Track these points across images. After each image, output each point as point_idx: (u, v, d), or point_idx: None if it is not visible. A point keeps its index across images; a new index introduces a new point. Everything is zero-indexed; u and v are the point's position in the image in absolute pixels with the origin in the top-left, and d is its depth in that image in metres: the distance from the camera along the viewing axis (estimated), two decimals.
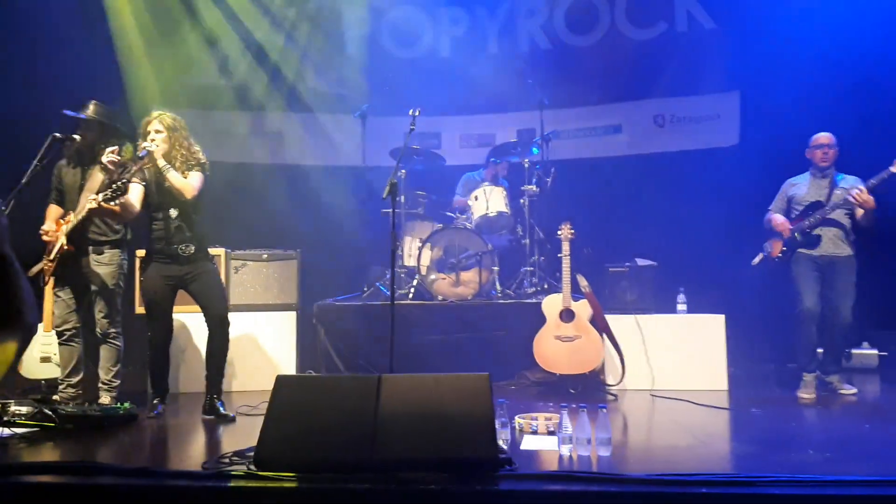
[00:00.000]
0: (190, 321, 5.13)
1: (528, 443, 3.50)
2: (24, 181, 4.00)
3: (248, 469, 2.92)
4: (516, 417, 3.85)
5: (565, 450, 3.24)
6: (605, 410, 3.27)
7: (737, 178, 6.36)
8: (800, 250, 4.94)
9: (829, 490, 2.54)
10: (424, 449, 2.85)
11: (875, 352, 6.02)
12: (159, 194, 4.24)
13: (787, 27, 6.35)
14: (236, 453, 3.22)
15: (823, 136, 5.03)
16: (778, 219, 5.07)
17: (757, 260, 5.15)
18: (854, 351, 6.02)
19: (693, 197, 6.35)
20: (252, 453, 2.97)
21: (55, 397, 4.43)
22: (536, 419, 3.79)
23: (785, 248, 4.99)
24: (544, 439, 3.54)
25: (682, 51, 7.21)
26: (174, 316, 4.82)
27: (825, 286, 4.88)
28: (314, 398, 3.09)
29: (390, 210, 6.04)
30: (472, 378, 3.03)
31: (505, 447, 3.30)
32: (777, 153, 5.80)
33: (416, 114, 4.27)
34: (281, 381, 3.14)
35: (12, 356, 2.26)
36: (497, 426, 3.35)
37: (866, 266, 5.05)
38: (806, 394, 4.76)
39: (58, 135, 4.24)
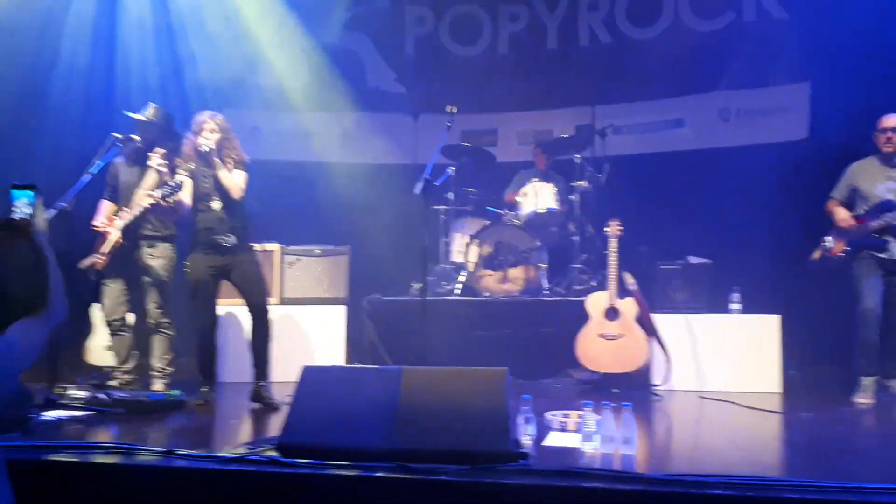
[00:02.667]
0: (237, 312, 5.32)
1: (553, 439, 3.47)
2: (86, 179, 4.27)
3: (272, 455, 3.02)
4: (546, 414, 3.82)
5: (588, 447, 3.19)
6: (630, 408, 3.20)
7: (804, 173, 6.09)
8: (864, 250, 4.69)
9: (850, 497, 2.40)
10: (439, 440, 2.86)
11: None
12: (204, 187, 4.43)
13: (859, 15, 6.01)
14: (266, 440, 3.34)
15: (892, 120, 4.71)
16: (842, 213, 4.81)
17: (816, 255, 4.92)
18: None
19: (755, 193, 6.11)
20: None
21: (111, 383, 4.70)
22: (568, 416, 3.75)
23: (848, 248, 4.74)
24: (570, 436, 3.50)
25: (749, 41, 6.95)
26: (224, 307, 5.05)
27: (889, 287, 4.62)
28: (337, 388, 3.16)
29: (440, 206, 6.20)
30: (490, 372, 3.03)
31: (528, 443, 3.28)
32: (848, 147, 5.49)
33: (454, 111, 4.28)
34: (307, 371, 3.23)
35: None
36: (521, 421, 3.35)
37: None
38: (863, 398, 4.51)
39: (117, 135, 4.51)
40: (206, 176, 4.42)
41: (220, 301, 4.62)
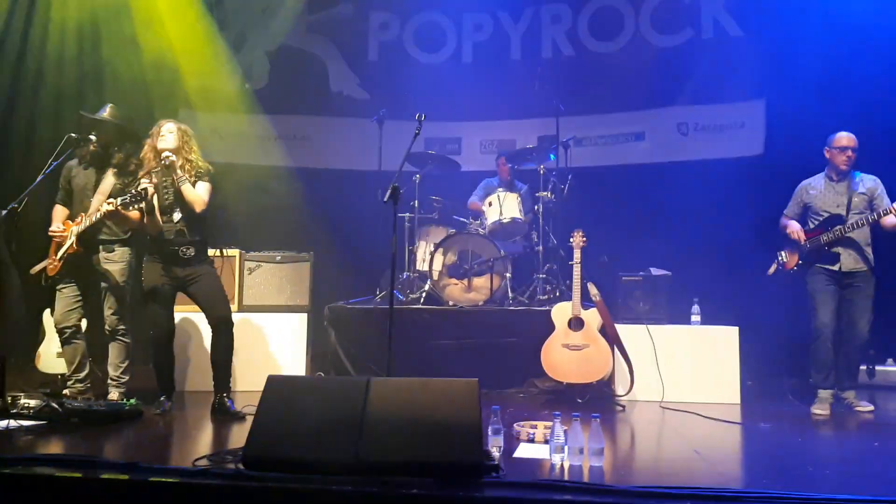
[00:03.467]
0: (197, 320, 5.19)
1: (523, 451, 3.47)
2: (38, 179, 4.12)
3: (237, 467, 2.95)
4: (515, 425, 3.82)
5: (556, 459, 3.20)
6: (598, 420, 3.22)
7: (760, 187, 6.28)
8: (817, 264, 4.82)
9: None
10: (409, 453, 2.83)
11: None
12: (165, 199, 4.33)
13: (814, 36, 6.22)
14: (229, 451, 3.26)
15: (846, 138, 4.82)
16: (794, 225, 4.93)
17: (772, 269, 5.04)
18: (879, 368, 5.84)
19: (713, 206, 6.27)
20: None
21: (65, 392, 4.53)
22: (535, 427, 3.75)
23: (801, 262, 4.87)
24: (539, 448, 3.50)
25: (707, 58, 7.13)
26: (184, 314, 4.94)
27: (842, 300, 4.76)
28: (303, 399, 3.09)
29: (405, 214, 6.17)
30: (461, 383, 3.01)
31: (497, 454, 3.27)
32: (802, 163, 5.64)
33: (422, 118, 4.29)
34: (271, 380, 3.16)
35: None
36: (490, 433, 3.34)
37: (890, 279, 4.92)
38: (820, 410, 4.63)
39: (74, 135, 4.37)
40: (167, 187, 4.32)
41: (181, 309, 4.51)
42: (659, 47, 7.34)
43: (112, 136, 4.52)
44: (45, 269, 4.40)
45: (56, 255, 4.36)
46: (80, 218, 4.37)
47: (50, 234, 4.40)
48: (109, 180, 4.41)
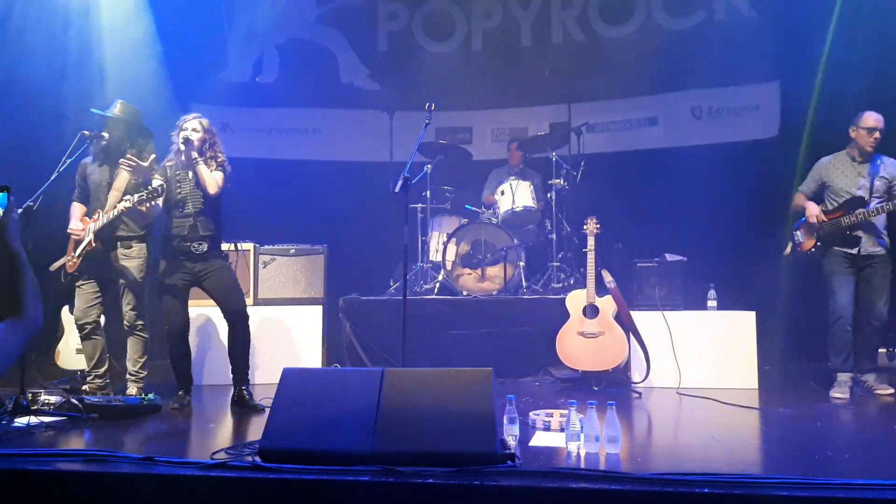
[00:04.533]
0: (214, 314, 5.22)
1: (538, 439, 3.47)
2: (52, 177, 4.15)
3: (253, 460, 2.96)
4: (530, 413, 3.81)
5: (573, 447, 3.19)
6: (614, 407, 3.20)
7: (776, 170, 6.18)
8: (834, 247, 4.75)
9: (837, 493, 2.43)
10: (424, 443, 2.83)
11: None
12: (178, 192, 4.35)
13: (828, 15, 6.11)
14: (247, 444, 3.29)
15: (874, 119, 4.71)
16: (812, 209, 4.84)
17: (787, 250, 5.00)
18: None
19: (728, 190, 6.19)
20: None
21: (84, 388, 4.58)
22: (551, 416, 3.75)
23: (818, 244, 4.81)
24: (555, 436, 3.50)
25: (720, 40, 7.01)
26: (201, 310, 4.98)
27: (860, 283, 4.70)
28: (318, 391, 3.10)
29: (417, 205, 6.16)
30: (475, 373, 3.00)
31: (513, 443, 3.26)
32: (818, 145, 5.59)
33: (433, 108, 4.27)
34: (287, 374, 3.17)
35: None
36: (505, 422, 3.34)
37: None
38: (839, 393, 4.58)
39: (86, 132, 4.40)
40: (180, 180, 4.35)
41: (196, 303, 4.54)
42: (671, 30, 7.25)
43: (122, 132, 4.54)
44: (64, 265, 4.45)
45: (74, 252, 4.40)
46: (97, 215, 4.41)
47: (69, 232, 4.44)
48: (124, 176, 4.44)
